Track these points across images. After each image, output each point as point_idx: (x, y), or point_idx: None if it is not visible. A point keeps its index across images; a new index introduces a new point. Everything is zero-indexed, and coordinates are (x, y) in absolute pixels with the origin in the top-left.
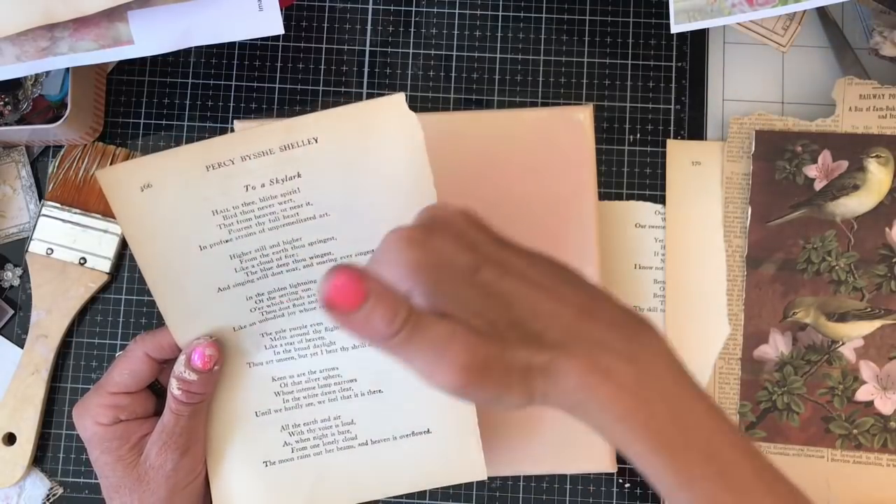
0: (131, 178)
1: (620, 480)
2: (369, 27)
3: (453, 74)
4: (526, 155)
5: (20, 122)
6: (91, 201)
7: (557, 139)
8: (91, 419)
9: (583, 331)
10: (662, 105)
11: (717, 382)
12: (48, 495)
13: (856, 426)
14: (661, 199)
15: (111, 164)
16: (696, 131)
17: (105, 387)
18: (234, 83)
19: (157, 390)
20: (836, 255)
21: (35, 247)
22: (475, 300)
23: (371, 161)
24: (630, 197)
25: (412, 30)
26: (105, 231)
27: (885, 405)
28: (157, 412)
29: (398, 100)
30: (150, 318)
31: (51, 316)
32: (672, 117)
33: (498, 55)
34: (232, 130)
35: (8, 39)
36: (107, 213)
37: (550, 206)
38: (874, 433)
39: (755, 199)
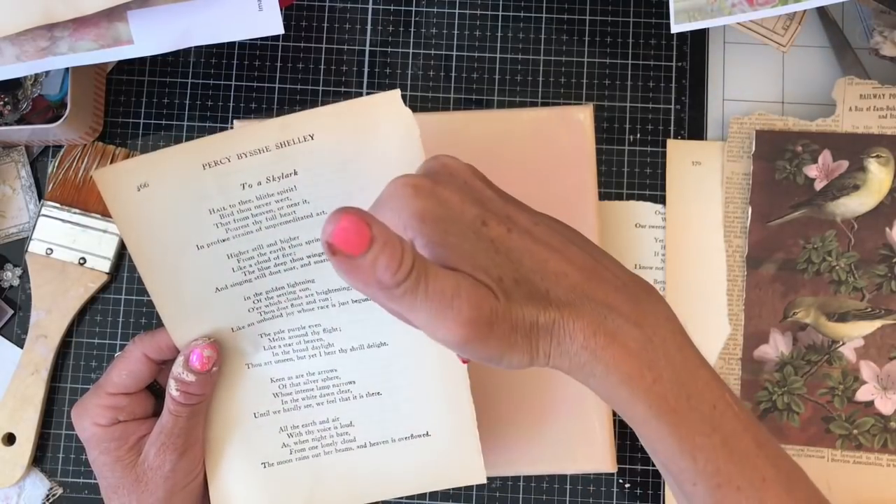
0: (128, 178)
1: (620, 480)
2: (369, 27)
3: (453, 74)
4: (526, 155)
5: (20, 121)
6: (91, 201)
7: (557, 139)
8: (90, 420)
9: (590, 291)
10: (662, 105)
11: None
12: (48, 495)
13: (856, 426)
14: (662, 199)
15: (110, 163)
16: (696, 131)
17: (104, 387)
18: (233, 83)
19: (155, 391)
20: (836, 255)
21: (35, 247)
22: (482, 255)
23: (367, 157)
24: (630, 197)
25: (412, 30)
26: (105, 231)
27: (885, 405)
28: (156, 413)
29: (393, 96)
30: (149, 318)
31: (50, 316)
32: (672, 117)
33: (498, 55)
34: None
35: (7, 39)
36: (106, 214)
37: (550, 206)
38: (874, 433)
39: (755, 199)
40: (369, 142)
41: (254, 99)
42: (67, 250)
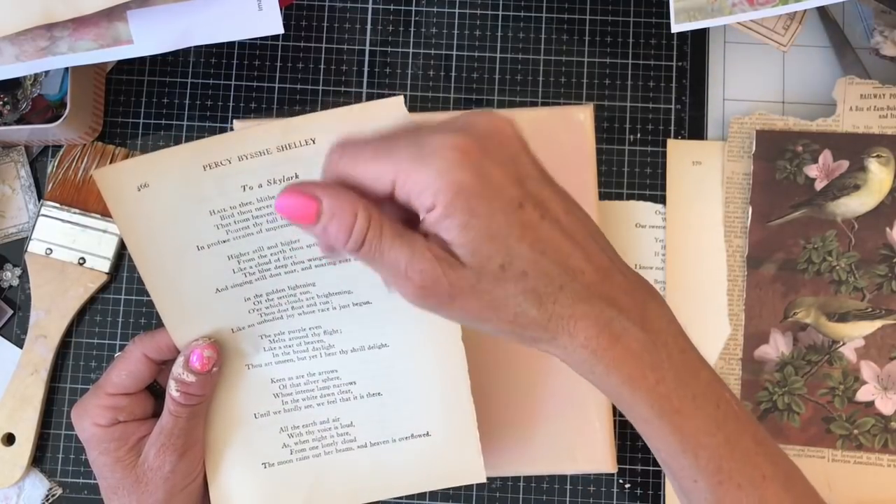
0: (128, 178)
1: (620, 481)
2: (369, 27)
3: (453, 74)
4: None
5: (19, 121)
6: (90, 201)
7: (557, 139)
8: (90, 420)
9: (602, 292)
10: (663, 105)
11: None
12: (47, 495)
13: (856, 426)
14: (662, 199)
15: (110, 163)
16: (696, 131)
17: (103, 388)
18: (233, 83)
19: (155, 391)
20: (836, 255)
21: (34, 247)
22: (498, 239)
23: None
24: (630, 197)
25: (412, 30)
26: (104, 231)
27: (885, 405)
28: (156, 413)
29: (397, 102)
30: (149, 318)
31: (50, 316)
32: (672, 117)
33: (498, 55)
34: (232, 130)
35: (7, 39)
36: (106, 213)
37: None
38: (875, 433)
39: (756, 199)
40: None
41: (254, 99)
42: (67, 250)
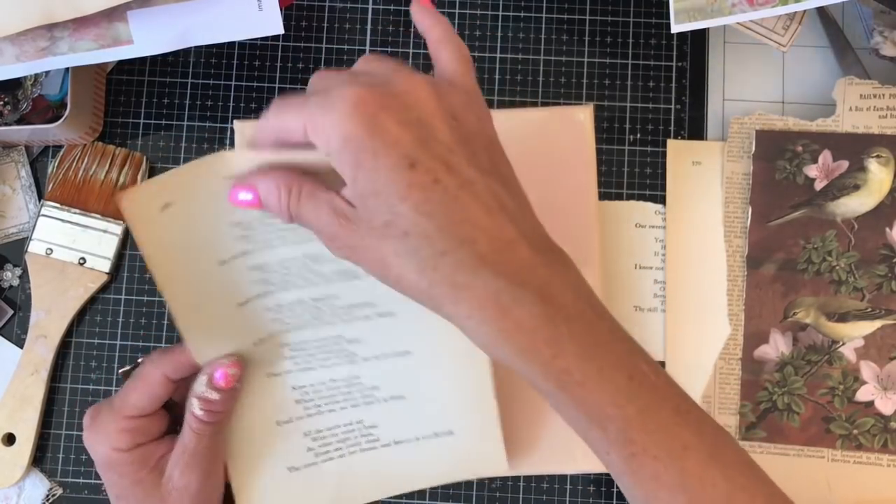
0: (151, 200)
1: None
2: (369, 27)
3: None
4: (526, 155)
5: (20, 121)
6: (91, 201)
7: (557, 139)
8: (108, 445)
9: (493, 264)
10: (662, 105)
11: (718, 382)
12: (48, 496)
13: (856, 426)
14: (662, 199)
15: (110, 163)
16: (696, 131)
17: (121, 411)
18: (233, 83)
19: (168, 405)
20: (836, 255)
21: (34, 247)
22: (391, 197)
23: None
24: (630, 197)
25: (412, 30)
26: (105, 231)
27: (885, 405)
28: (171, 429)
29: None
30: (149, 318)
31: (50, 316)
32: (672, 117)
33: (498, 55)
34: (232, 130)
35: (7, 39)
36: (106, 213)
37: (550, 206)
38: (875, 433)
39: (755, 199)
40: None
41: (254, 99)
42: (67, 250)
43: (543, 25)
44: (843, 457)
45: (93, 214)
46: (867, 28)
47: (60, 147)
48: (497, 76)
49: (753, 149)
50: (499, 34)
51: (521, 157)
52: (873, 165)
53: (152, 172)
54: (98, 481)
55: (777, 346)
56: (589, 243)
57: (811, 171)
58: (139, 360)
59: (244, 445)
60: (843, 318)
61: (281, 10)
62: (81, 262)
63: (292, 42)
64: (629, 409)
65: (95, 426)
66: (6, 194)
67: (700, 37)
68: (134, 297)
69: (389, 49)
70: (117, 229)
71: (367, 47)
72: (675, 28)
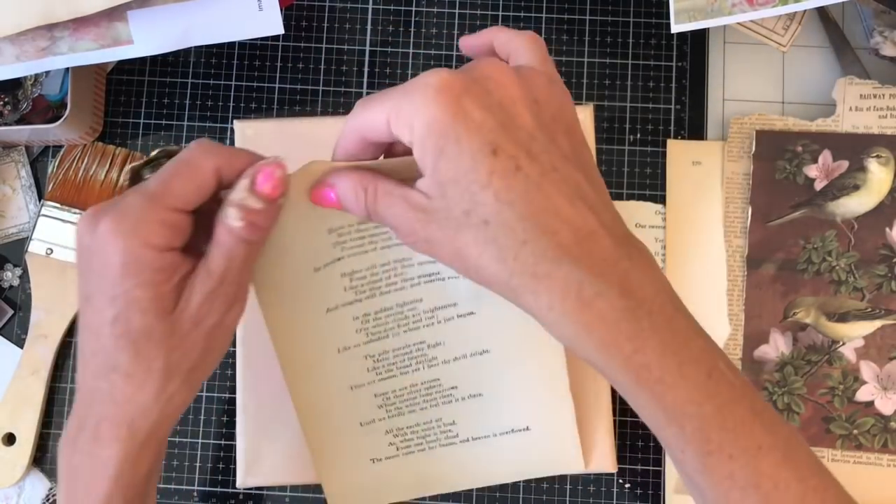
0: None
1: (620, 480)
2: (369, 27)
3: None
4: None
5: (20, 121)
6: (91, 201)
7: None
8: (141, 238)
9: (575, 254)
10: (662, 105)
11: None
12: (48, 495)
13: (856, 426)
14: (662, 199)
15: (110, 163)
16: (696, 131)
17: (162, 199)
18: (234, 83)
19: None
20: (836, 255)
21: (35, 247)
22: (472, 185)
23: None
24: (630, 197)
25: (412, 30)
26: None
27: (885, 405)
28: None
29: None
30: None
31: (50, 316)
32: (672, 117)
33: None
34: (232, 130)
35: (7, 39)
36: None
37: None
38: (874, 433)
39: (755, 199)
40: None
41: (254, 99)
42: (67, 250)
43: (543, 25)
44: (843, 457)
45: None
46: (867, 28)
47: (60, 147)
48: None
49: (753, 149)
50: None
51: None
52: (873, 165)
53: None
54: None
55: (777, 346)
56: None
57: (811, 171)
58: (165, 147)
59: (328, 443)
60: (843, 318)
61: (281, 10)
62: None
63: (292, 42)
64: (707, 407)
65: (125, 215)
66: (6, 194)
67: (700, 37)
68: None
69: (389, 49)
70: None
71: (367, 47)
72: (675, 28)
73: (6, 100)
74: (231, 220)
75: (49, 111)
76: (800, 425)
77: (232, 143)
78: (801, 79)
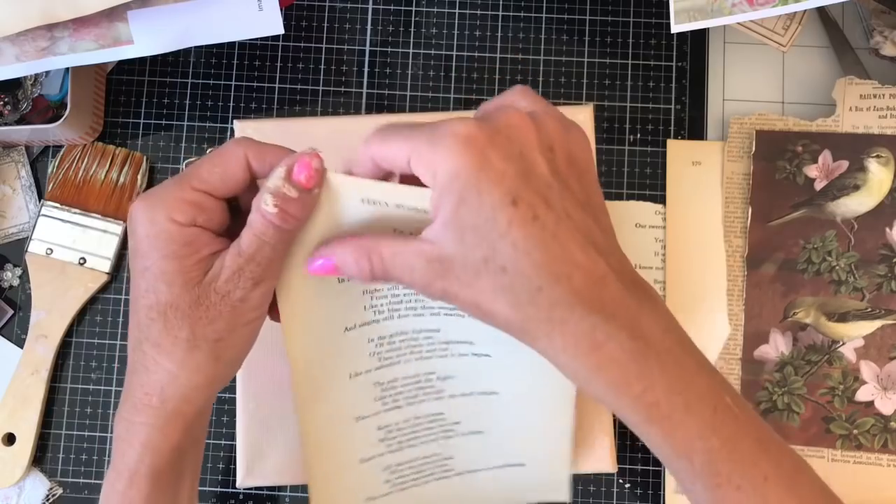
0: None
1: (620, 480)
2: (369, 27)
3: (453, 74)
4: None
5: (20, 121)
6: (91, 201)
7: None
8: (165, 213)
9: (587, 298)
10: (662, 105)
11: None
12: (48, 495)
13: (856, 426)
14: (662, 199)
15: (110, 163)
16: (696, 131)
17: (189, 181)
18: (234, 83)
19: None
20: (836, 255)
21: (35, 247)
22: (491, 233)
23: None
24: (630, 197)
25: (412, 30)
26: (105, 231)
27: (885, 405)
28: (230, 236)
29: None
30: None
31: (50, 316)
32: (672, 117)
33: (498, 55)
34: (232, 130)
35: (7, 39)
36: (106, 213)
37: None
38: (874, 433)
39: (755, 199)
40: None
41: (254, 99)
42: (67, 250)
43: (543, 25)
44: (843, 457)
45: (93, 214)
46: (867, 28)
47: (60, 147)
48: (497, 76)
49: (753, 149)
50: (499, 34)
51: None
52: (873, 165)
53: (152, 172)
54: (98, 481)
55: (777, 346)
56: None
57: (811, 171)
58: (207, 151)
59: (327, 476)
60: (843, 318)
61: (281, 10)
62: (81, 262)
63: (292, 42)
64: (714, 441)
65: (152, 194)
66: (6, 194)
67: (700, 37)
68: None
69: (389, 49)
70: (117, 229)
71: (367, 47)
72: (675, 28)
73: (6, 100)
74: (266, 206)
75: (49, 111)
76: (800, 425)
77: None
78: (801, 79)
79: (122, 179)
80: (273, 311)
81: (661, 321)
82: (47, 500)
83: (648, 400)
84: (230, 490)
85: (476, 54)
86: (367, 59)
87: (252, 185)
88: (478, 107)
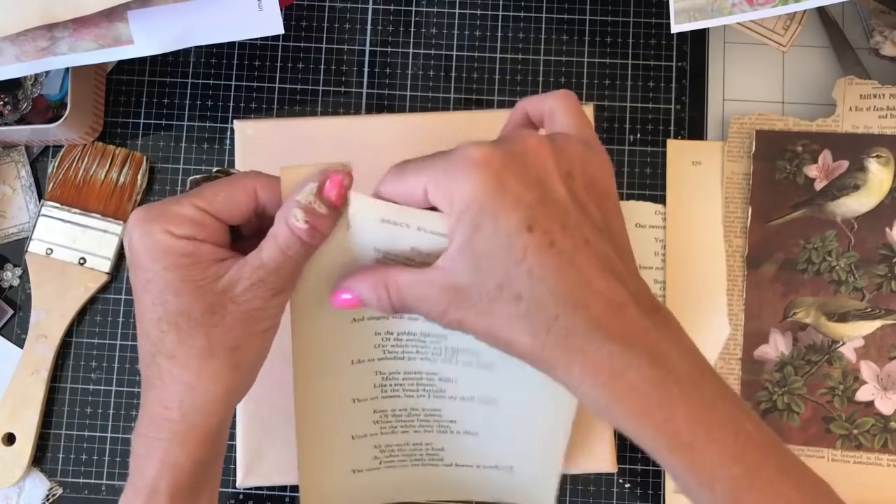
0: None
1: (620, 480)
2: (369, 27)
3: (453, 74)
4: None
5: (20, 121)
6: (91, 201)
7: None
8: (161, 225)
9: (606, 327)
10: (662, 105)
11: None
12: (48, 495)
13: (856, 426)
14: (662, 199)
15: (110, 163)
16: (696, 131)
17: (190, 198)
18: (234, 83)
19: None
20: (836, 255)
21: (35, 247)
22: (506, 261)
23: None
24: (630, 197)
25: (412, 30)
26: (105, 231)
27: (885, 405)
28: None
29: None
30: None
31: (50, 316)
32: (672, 117)
33: (498, 55)
34: (232, 130)
35: (7, 39)
36: (106, 213)
37: None
38: (874, 433)
39: (755, 199)
40: None
41: (254, 99)
42: (67, 250)
43: (543, 25)
44: (843, 457)
45: (93, 214)
46: (867, 28)
47: (60, 147)
48: (497, 76)
49: (753, 149)
50: (499, 34)
51: None
52: (873, 165)
53: (152, 172)
54: (98, 481)
55: (777, 346)
56: None
57: (811, 171)
58: (223, 168)
59: (317, 449)
60: (843, 318)
61: (281, 10)
62: (81, 262)
63: (292, 42)
64: (735, 469)
65: (151, 208)
66: (6, 194)
67: (700, 37)
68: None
69: (389, 49)
70: (117, 229)
71: (367, 47)
72: (675, 28)
73: (6, 100)
74: (296, 220)
75: (49, 111)
76: (799, 425)
77: (232, 143)
78: (801, 79)
79: (122, 179)
80: None
81: (681, 347)
82: (47, 500)
83: (670, 429)
84: (230, 490)
85: (476, 54)
86: (367, 59)
87: (258, 215)
88: (478, 107)
